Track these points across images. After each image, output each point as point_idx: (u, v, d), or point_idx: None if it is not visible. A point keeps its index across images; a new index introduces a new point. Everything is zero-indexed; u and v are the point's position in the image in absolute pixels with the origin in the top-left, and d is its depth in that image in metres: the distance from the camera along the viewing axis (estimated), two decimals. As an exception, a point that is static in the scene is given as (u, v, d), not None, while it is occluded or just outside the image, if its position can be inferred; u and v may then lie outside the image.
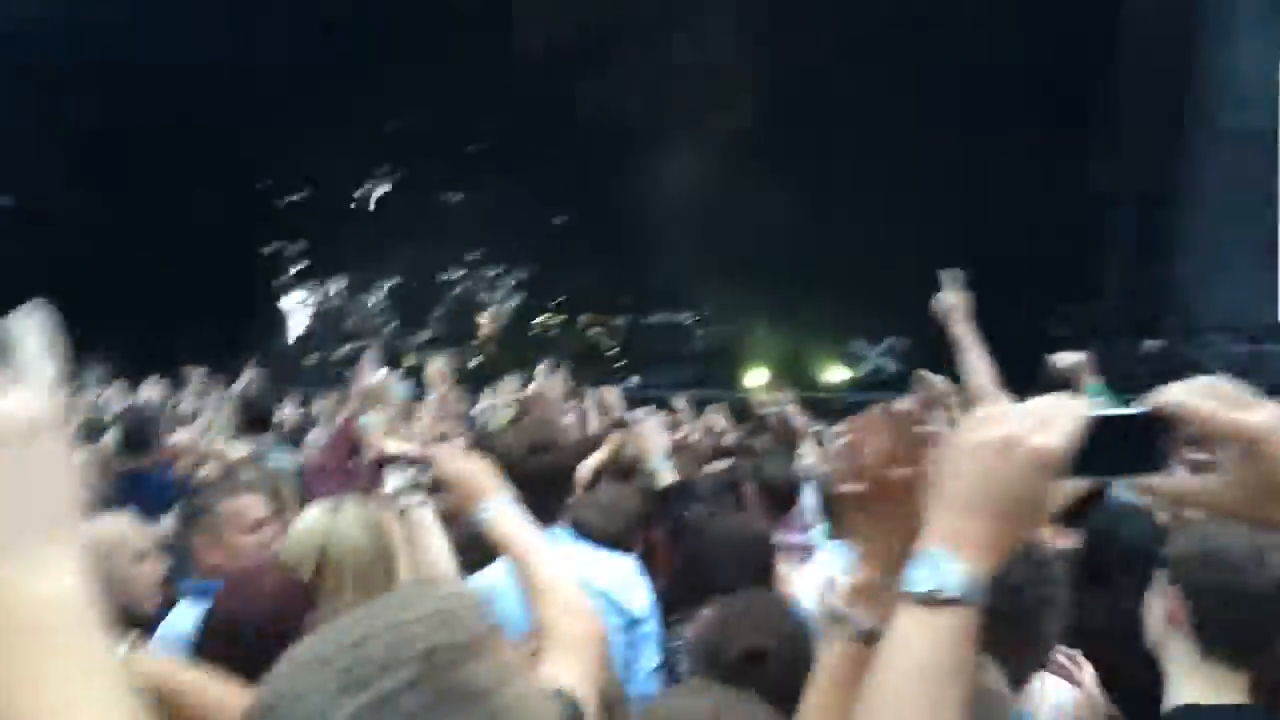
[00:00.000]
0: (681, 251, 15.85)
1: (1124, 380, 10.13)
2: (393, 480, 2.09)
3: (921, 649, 0.91)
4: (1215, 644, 1.65)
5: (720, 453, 5.34)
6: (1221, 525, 1.63)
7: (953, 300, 2.84)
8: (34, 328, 0.80)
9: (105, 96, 15.29)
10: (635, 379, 15.15)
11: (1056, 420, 0.92)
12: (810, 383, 15.24)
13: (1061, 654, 2.03)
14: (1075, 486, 2.72)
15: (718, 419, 7.39)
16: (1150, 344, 13.61)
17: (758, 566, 2.48)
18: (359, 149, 17.67)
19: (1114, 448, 0.93)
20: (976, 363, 2.80)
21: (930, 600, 0.91)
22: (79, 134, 15.64)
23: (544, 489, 2.41)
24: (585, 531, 2.66)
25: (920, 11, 14.46)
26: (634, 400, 10.00)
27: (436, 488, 1.91)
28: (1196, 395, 0.92)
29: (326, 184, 18.31)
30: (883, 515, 1.10)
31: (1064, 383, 4.50)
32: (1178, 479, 0.96)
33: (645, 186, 15.94)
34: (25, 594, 0.72)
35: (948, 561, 0.92)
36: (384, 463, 2.21)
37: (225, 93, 15.99)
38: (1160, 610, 1.72)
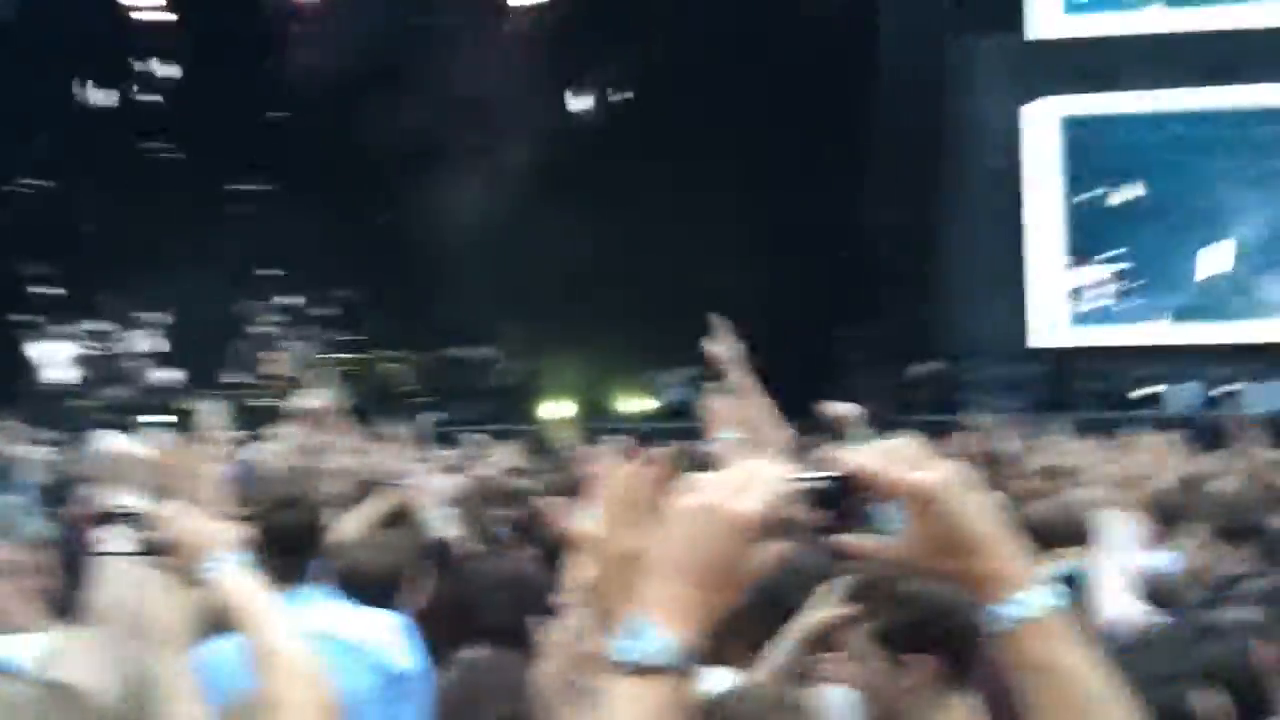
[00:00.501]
0: (479, 284, 15.74)
1: (899, 404, 10.75)
2: (107, 538, 1.88)
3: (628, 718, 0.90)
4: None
5: (509, 494, 5.28)
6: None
7: (724, 348, 2.93)
8: None
9: None
10: (433, 415, 14.88)
11: (755, 486, 0.93)
12: (609, 414, 15.36)
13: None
14: None
15: (505, 457, 7.34)
16: (922, 366, 14.47)
17: (523, 611, 2.46)
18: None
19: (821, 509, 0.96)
20: (756, 407, 2.89)
21: (636, 670, 0.90)
22: None
23: (290, 545, 2.32)
24: (347, 587, 2.57)
25: (709, 60, 14.96)
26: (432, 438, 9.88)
27: (158, 547, 1.76)
28: (878, 457, 0.95)
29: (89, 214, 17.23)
30: (615, 572, 1.10)
31: (834, 429, 4.71)
32: (865, 538, 0.99)
33: (441, 218, 15.75)
34: None
35: (653, 629, 0.91)
36: (101, 519, 2.01)
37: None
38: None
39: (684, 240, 14.78)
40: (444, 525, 3.25)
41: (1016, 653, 0.93)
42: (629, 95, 16.54)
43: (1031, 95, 15.06)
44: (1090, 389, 14.34)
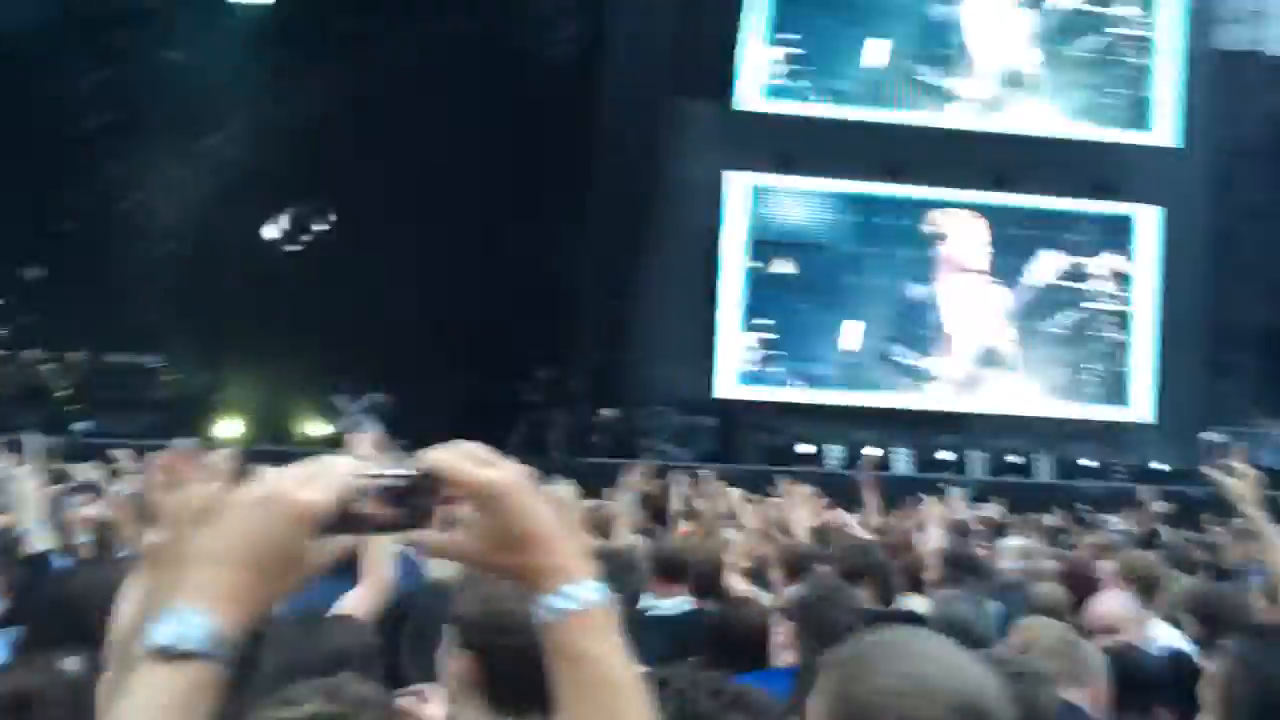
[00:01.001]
0: (153, 291, 14.74)
1: (584, 446, 11.04)
2: None
3: (154, 703, 0.88)
4: (505, 702, 1.71)
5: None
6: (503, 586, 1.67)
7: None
8: None
9: None
10: (86, 423, 13.69)
11: (321, 477, 0.95)
12: (288, 436, 14.77)
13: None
14: None
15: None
16: (607, 413, 14.97)
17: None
18: None
19: (393, 506, 0.97)
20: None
21: (168, 654, 0.89)
22: None
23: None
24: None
25: (434, 84, 14.83)
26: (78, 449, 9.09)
27: None
28: (452, 456, 0.99)
29: None
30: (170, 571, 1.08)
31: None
32: (437, 534, 1.02)
33: (114, 218, 14.66)
34: None
35: (193, 615, 0.90)
36: None
37: None
38: (455, 670, 1.76)
39: (383, 268, 14.55)
40: (42, 540, 3.07)
41: (555, 642, 0.99)
42: (343, 108, 16.03)
43: (733, 164, 16.09)
44: (756, 442, 15.37)
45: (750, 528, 5.62)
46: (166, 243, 14.74)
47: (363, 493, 0.97)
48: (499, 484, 1.00)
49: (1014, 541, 6.31)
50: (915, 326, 16.39)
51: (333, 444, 13.57)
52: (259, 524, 0.94)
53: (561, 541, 1.02)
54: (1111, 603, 3.56)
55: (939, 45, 16.66)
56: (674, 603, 3.81)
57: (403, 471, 0.99)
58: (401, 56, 14.97)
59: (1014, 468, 15.44)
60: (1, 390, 14.74)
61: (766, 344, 16.05)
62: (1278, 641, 1.96)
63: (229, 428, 14.50)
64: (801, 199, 16.43)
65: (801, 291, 16.19)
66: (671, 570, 3.94)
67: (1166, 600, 4.30)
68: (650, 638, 2.57)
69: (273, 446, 12.20)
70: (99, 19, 14.79)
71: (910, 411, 16.04)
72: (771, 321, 16.10)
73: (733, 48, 15.97)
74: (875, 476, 5.71)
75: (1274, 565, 3.08)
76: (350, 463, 0.98)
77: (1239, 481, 3.14)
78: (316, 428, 15.08)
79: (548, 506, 1.02)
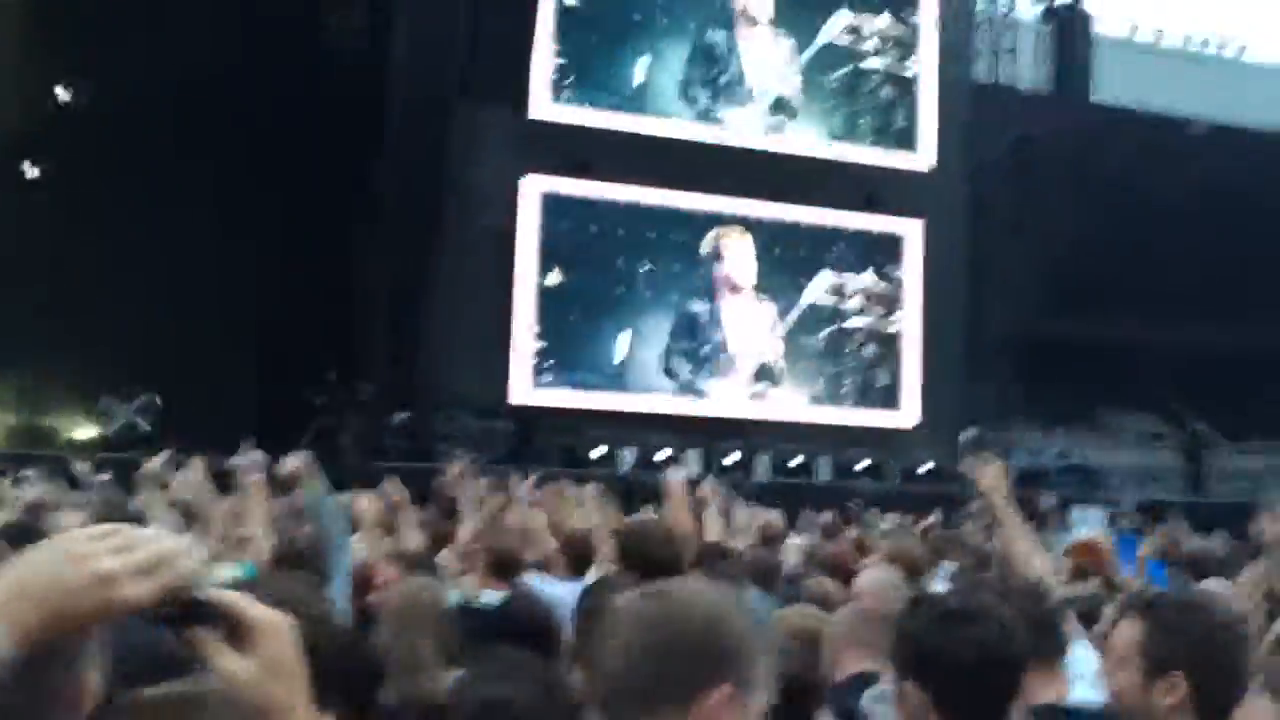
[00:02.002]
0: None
1: (377, 451, 10.93)
2: None
3: None
4: None
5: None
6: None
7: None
8: None
9: None
10: None
11: (155, 566, 0.96)
12: (55, 441, 13.90)
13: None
14: None
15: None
16: (399, 416, 14.80)
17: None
18: None
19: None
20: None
21: None
22: None
23: None
24: None
25: (209, 83, 14.25)
26: None
27: None
28: (236, 601, 1.02)
29: None
30: None
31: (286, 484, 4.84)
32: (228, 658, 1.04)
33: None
34: None
35: None
36: None
37: None
38: None
39: (164, 268, 13.92)
40: None
41: None
42: (120, 98, 15.17)
43: (526, 169, 16.25)
44: (550, 446, 15.57)
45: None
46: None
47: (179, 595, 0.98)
48: (269, 622, 1.04)
49: (796, 540, 6.71)
50: (696, 342, 17.00)
51: (101, 447, 12.88)
52: (70, 572, 0.95)
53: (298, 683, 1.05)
54: (872, 573, 3.79)
55: (714, 69, 17.38)
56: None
57: (189, 599, 0.99)
58: (198, 43, 14.39)
59: (796, 470, 16.23)
60: None
61: (548, 352, 16.29)
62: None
63: None
64: (589, 209, 16.76)
65: (585, 301, 16.52)
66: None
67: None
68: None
69: (33, 451, 11.47)
70: None
71: (699, 418, 16.64)
72: (556, 329, 16.35)
73: (525, 53, 16.09)
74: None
75: (1013, 552, 3.28)
76: (185, 559, 0.99)
77: (986, 469, 3.26)
78: (83, 431, 14.22)
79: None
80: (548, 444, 15.73)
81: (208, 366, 13.73)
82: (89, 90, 14.87)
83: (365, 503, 5.41)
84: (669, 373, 16.83)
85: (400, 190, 14.96)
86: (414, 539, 5.05)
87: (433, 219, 15.32)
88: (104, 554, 0.95)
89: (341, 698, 1.81)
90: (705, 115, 17.35)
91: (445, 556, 4.86)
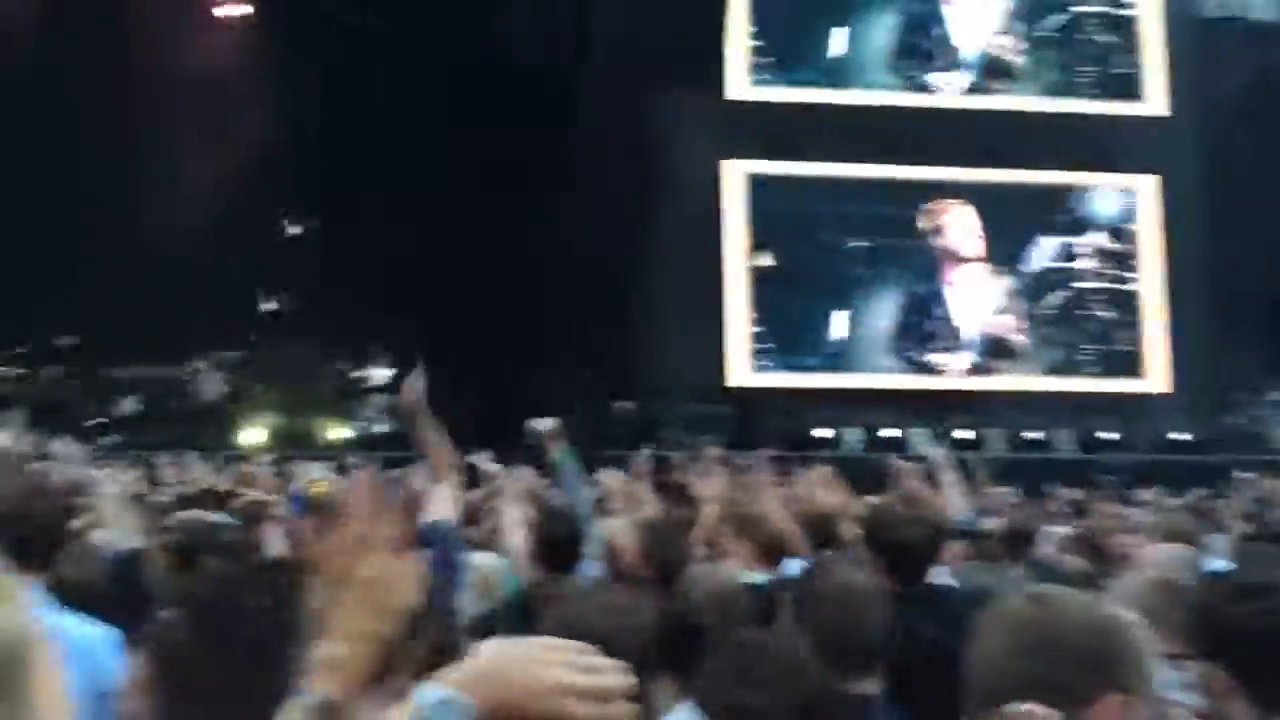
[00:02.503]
0: (171, 300, 14.94)
1: (601, 439, 11.08)
2: None
3: None
4: None
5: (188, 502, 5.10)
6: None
7: (414, 393, 3.14)
8: None
9: None
10: (113, 436, 13.86)
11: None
12: (311, 441, 14.87)
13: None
14: None
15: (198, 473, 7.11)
16: (622, 405, 15.09)
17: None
18: None
19: None
20: (437, 449, 3.10)
21: None
22: None
23: (35, 536, 2.32)
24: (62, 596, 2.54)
25: (414, 87, 15.01)
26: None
27: None
28: None
29: None
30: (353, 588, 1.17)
31: (537, 447, 5.03)
32: None
33: (138, 227, 14.71)
34: None
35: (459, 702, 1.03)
36: None
37: None
38: None
39: (381, 269, 14.77)
40: (126, 538, 3.22)
41: None
42: (336, 112, 16.24)
43: (729, 152, 16.20)
44: (772, 428, 15.50)
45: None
46: (172, 245, 14.81)
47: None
48: None
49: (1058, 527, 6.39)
50: (922, 317, 16.50)
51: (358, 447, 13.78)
52: (523, 674, 1.06)
53: None
54: (1161, 549, 3.58)
55: (921, 34, 16.79)
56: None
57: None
58: (391, 59, 15.20)
59: (1033, 444, 15.52)
60: (23, 404, 14.81)
61: (764, 334, 16.19)
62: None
63: (253, 436, 14.65)
64: (796, 188, 16.53)
65: (799, 281, 16.32)
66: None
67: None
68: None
69: (298, 452, 12.32)
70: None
71: (926, 393, 16.16)
72: (771, 311, 16.23)
73: (720, 37, 16.04)
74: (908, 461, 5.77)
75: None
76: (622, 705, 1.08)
77: None
78: (339, 432, 15.16)
79: None
80: (768, 427, 15.64)
81: (437, 364, 14.47)
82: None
83: (610, 478, 5.54)
84: (898, 349, 16.41)
85: (604, 179, 15.19)
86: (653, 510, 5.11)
87: (638, 207, 15.48)
88: (568, 668, 1.07)
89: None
90: (915, 82, 16.81)
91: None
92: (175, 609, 1.93)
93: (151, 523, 3.67)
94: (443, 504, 3.06)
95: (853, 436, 15.08)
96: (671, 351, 15.43)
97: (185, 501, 4.87)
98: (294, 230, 16.33)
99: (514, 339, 14.99)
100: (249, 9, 15.86)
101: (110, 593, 2.71)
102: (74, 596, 2.57)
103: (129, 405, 14.92)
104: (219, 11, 15.74)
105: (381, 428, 14.36)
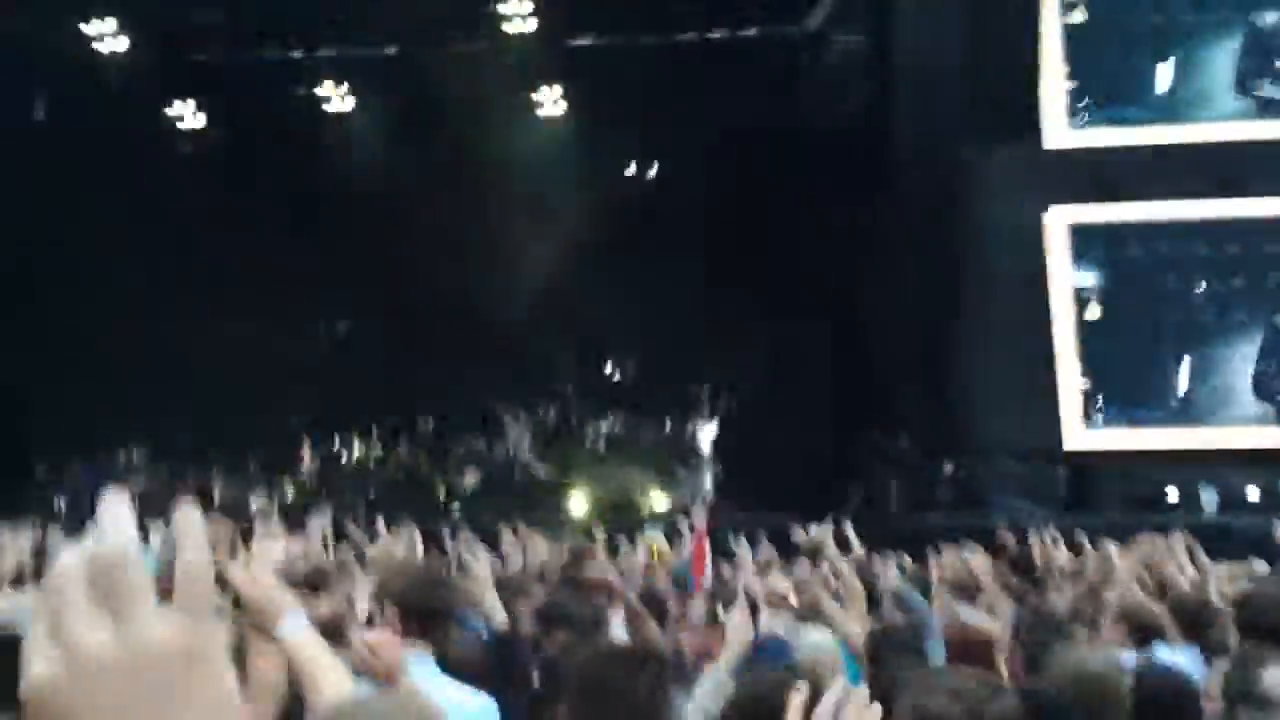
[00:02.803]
0: (499, 373, 16.07)
1: (923, 503, 10.78)
2: None
3: None
4: None
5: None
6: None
7: None
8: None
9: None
10: (457, 509, 14.92)
11: None
12: (639, 514, 15.08)
13: None
14: None
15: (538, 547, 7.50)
16: (947, 467, 14.54)
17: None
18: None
19: None
20: None
21: None
22: None
23: (430, 620, 2.56)
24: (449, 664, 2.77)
25: (721, 160, 15.53)
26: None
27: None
28: None
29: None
30: None
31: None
32: None
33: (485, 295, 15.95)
34: None
35: None
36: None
37: None
38: None
39: (702, 334, 15.19)
40: (498, 613, 3.44)
41: None
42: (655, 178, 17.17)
43: (1049, 202, 15.44)
44: (1113, 491, 14.41)
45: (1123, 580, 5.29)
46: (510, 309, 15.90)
47: None
48: None
49: None
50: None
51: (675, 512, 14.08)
52: None
53: None
54: None
55: (1273, 56, 15.31)
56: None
57: None
58: (696, 135, 15.80)
59: None
60: (378, 483, 16.13)
61: (1097, 390, 15.09)
62: None
63: (585, 506, 15.12)
64: (1125, 234, 15.44)
65: (1133, 332, 15.15)
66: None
67: None
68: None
69: (627, 522, 12.68)
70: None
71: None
72: (1104, 366, 15.15)
73: (1032, 81, 15.41)
74: None
75: None
76: None
77: None
78: (660, 501, 15.36)
79: None
80: (1108, 489, 14.58)
81: (745, 432, 14.64)
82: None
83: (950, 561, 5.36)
84: (1262, 396, 14.77)
85: (915, 237, 14.90)
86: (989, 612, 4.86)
87: (953, 262, 15.04)
88: None
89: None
90: (1268, 108, 15.26)
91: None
92: (555, 686, 2.06)
93: (510, 599, 3.92)
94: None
95: (1208, 497, 13.70)
96: (996, 412, 14.75)
97: (536, 577, 5.15)
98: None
99: (834, 403, 14.90)
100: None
101: (488, 666, 2.93)
102: (456, 668, 2.80)
103: (470, 480, 15.98)
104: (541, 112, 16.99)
105: (706, 492, 14.57)
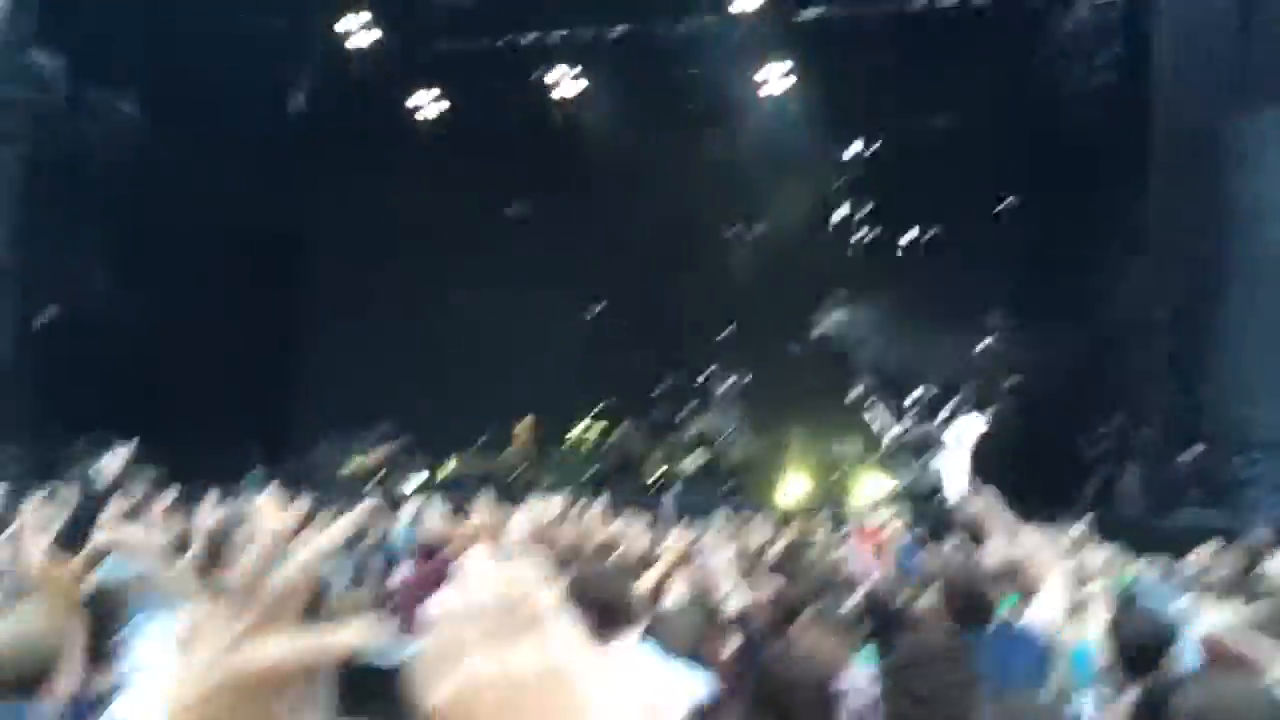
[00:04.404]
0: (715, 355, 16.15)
1: (1166, 499, 10.04)
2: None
3: None
4: None
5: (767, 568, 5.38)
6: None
7: None
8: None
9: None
10: (674, 492, 14.98)
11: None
12: (845, 497, 14.93)
13: None
14: None
15: (759, 532, 7.47)
16: (1192, 452, 13.48)
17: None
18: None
19: None
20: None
21: None
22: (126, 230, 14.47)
23: (608, 600, 2.59)
24: (661, 643, 2.79)
25: (973, 132, 14.98)
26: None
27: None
28: None
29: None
30: None
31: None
32: None
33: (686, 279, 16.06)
34: None
35: None
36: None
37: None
38: None
39: (938, 317, 14.75)
40: (738, 598, 3.42)
41: None
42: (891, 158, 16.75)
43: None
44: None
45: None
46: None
47: None
48: None
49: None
50: None
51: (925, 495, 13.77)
52: None
53: None
54: None
55: None
56: None
57: None
58: (934, 105, 15.27)
59: None
60: (600, 464, 16.33)
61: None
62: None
63: (793, 489, 15.02)
64: None
65: None
66: None
67: None
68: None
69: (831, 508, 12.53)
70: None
71: None
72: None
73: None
74: None
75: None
76: None
77: None
78: (876, 489, 15.00)
79: None
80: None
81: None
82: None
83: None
84: None
85: (1171, 215, 13.85)
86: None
87: (1212, 240, 13.86)
88: None
89: None
90: None
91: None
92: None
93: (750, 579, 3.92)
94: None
95: None
96: (1255, 403, 13.56)
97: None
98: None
99: (1055, 391, 14.19)
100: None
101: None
102: (675, 647, 2.82)
103: (690, 462, 16.09)
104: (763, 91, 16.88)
105: (928, 482, 14.16)
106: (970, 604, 3.42)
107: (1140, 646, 3.38)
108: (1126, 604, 4.24)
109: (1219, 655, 3.26)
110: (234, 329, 15.38)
